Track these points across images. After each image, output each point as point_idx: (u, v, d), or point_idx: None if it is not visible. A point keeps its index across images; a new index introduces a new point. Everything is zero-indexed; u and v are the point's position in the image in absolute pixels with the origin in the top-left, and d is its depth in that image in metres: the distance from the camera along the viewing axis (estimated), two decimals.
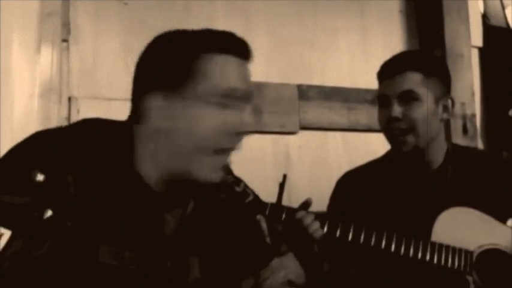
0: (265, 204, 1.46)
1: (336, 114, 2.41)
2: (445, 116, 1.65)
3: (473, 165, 1.68)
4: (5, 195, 0.93)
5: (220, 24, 2.27)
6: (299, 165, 2.33)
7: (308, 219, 1.47)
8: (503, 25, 2.74)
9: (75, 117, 1.99)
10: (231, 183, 1.20)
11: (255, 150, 2.24)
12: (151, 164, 1.03)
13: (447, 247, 1.53)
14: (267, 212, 1.45)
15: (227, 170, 1.07)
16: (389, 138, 1.65)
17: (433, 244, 1.53)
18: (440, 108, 1.64)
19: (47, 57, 1.93)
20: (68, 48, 2.02)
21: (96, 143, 1.02)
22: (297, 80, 2.37)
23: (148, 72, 1.05)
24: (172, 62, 1.03)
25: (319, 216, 1.51)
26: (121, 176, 1.02)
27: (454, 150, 1.71)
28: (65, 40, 2.01)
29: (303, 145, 2.36)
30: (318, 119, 2.38)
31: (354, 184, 1.73)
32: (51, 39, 1.94)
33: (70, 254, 0.94)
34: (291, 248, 1.25)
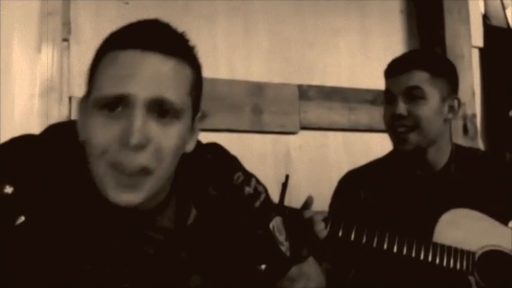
0: (284, 209, 1.45)
1: (336, 114, 2.41)
2: (450, 116, 1.65)
3: (476, 166, 1.68)
4: None
5: (220, 24, 2.28)
6: (299, 165, 2.33)
7: (318, 218, 1.47)
8: (504, 25, 2.74)
9: (76, 117, 1.98)
10: (241, 182, 1.07)
11: (255, 150, 2.24)
12: None
13: (449, 248, 1.53)
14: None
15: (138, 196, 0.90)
16: (393, 136, 1.65)
17: (435, 245, 1.52)
18: (446, 108, 1.63)
19: (48, 56, 1.92)
20: (68, 47, 2.02)
21: (63, 152, 0.95)
22: (297, 80, 2.37)
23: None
24: (88, 69, 0.93)
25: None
26: (86, 189, 0.92)
27: (457, 151, 1.71)
28: (65, 39, 2.01)
29: (303, 145, 2.36)
30: (318, 119, 2.38)
31: (356, 184, 1.73)
32: (51, 39, 1.93)
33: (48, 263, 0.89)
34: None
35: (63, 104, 1.95)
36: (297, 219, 1.47)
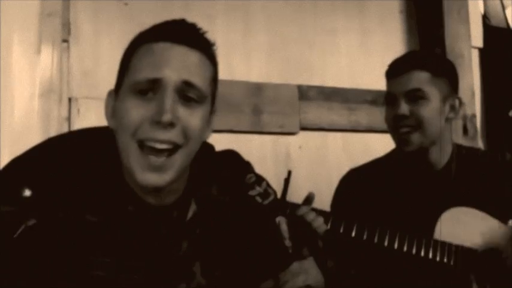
0: (286, 205, 1.47)
1: (336, 114, 2.41)
2: (451, 115, 1.65)
3: (477, 165, 1.69)
4: None
5: (220, 24, 2.28)
6: (299, 165, 2.33)
7: (311, 216, 1.48)
8: (504, 26, 2.75)
9: (75, 118, 1.99)
10: (253, 182, 1.19)
11: (255, 150, 2.24)
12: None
13: (450, 245, 1.54)
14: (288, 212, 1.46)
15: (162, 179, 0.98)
16: (395, 137, 1.65)
17: (436, 242, 1.53)
18: (447, 108, 1.64)
19: (47, 57, 1.92)
20: (68, 48, 2.02)
21: (85, 158, 1.02)
22: (297, 80, 2.37)
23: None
24: (121, 60, 1.04)
25: (322, 212, 1.52)
26: (111, 188, 1.01)
27: (458, 150, 1.71)
28: (65, 40, 2.01)
29: (303, 145, 2.36)
30: (318, 120, 2.38)
31: (357, 182, 1.74)
32: (51, 40, 1.93)
33: (59, 265, 0.94)
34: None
35: (63, 104, 1.96)
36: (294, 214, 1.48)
